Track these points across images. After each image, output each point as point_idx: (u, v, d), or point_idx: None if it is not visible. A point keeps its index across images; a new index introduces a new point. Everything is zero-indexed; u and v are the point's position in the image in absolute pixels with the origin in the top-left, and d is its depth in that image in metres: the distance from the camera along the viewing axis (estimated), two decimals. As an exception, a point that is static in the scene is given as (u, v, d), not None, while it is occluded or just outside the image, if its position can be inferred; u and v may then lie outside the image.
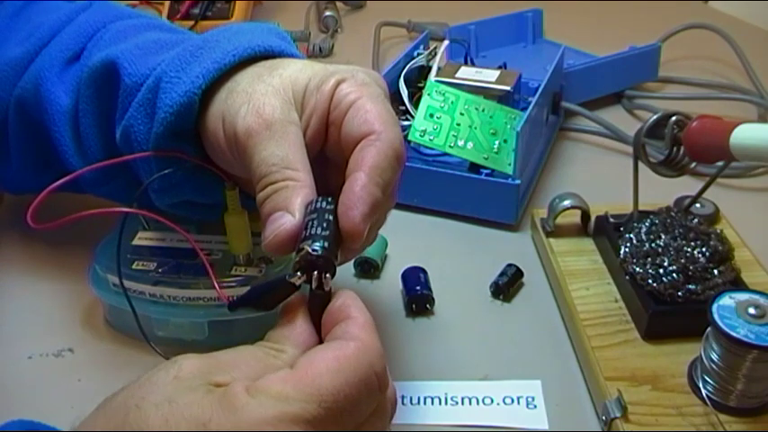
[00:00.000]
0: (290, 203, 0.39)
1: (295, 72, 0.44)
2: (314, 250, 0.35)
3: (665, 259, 0.50)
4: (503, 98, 0.65)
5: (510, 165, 0.61)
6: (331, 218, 0.37)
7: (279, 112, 0.41)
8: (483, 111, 0.64)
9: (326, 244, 0.36)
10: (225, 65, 0.44)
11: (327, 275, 0.36)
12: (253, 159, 0.41)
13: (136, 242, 0.52)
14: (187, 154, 0.46)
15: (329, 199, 0.38)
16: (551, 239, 0.58)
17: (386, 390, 0.36)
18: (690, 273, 0.49)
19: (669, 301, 0.49)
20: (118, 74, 0.48)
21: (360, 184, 0.38)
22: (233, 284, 0.49)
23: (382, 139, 0.40)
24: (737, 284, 0.50)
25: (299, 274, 0.36)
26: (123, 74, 0.48)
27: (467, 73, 0.67)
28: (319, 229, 0.36)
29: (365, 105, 0.41)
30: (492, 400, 0.47)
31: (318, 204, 0.38)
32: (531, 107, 0.62)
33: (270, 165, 0.40)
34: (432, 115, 0.63)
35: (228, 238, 0.50)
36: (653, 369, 0.47)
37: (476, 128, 0.63)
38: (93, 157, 0.52)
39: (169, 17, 0.96)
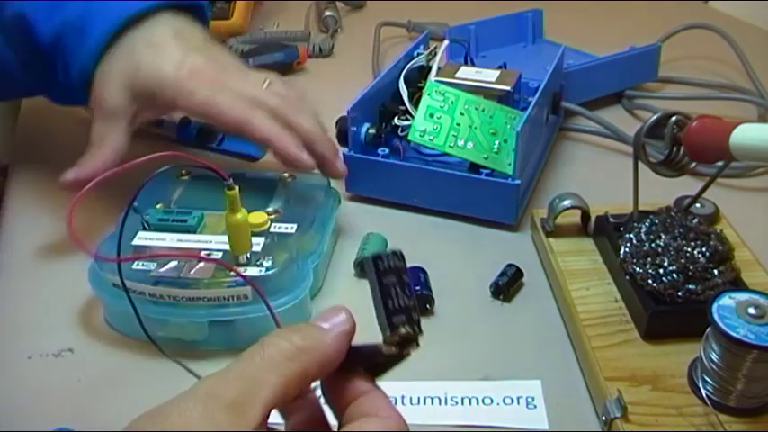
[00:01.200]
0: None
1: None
2: (414, 331, 0.34)
3: (665, 259, 0.50)
4: (503, 98, 0.65)
5: (510, 165, 0.61)
6: (405, 277, 0.34)
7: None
8: (483, 111, 0.64)
9: (416, 316, 0.34)
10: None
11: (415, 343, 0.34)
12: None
13: (136, 242, 0.52)
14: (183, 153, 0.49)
15: (399, 253, 0.34)
16: (551, 239, 0.58)
17: None
18: (690, 273, 0.49)
19: (669, 301, 0.49)
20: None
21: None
22: (233, 284, 0.49)
23: None
24: (737, 284, 0.50)
25: (394, 348, 0.34)
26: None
27: (467, 73, 0.67)
28: (405, 298, 0.34)
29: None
30: (492, 400, 0.47)
31: (391, 263, 0.35)
32: (531, 107, 0.62)
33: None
34: (432, 115, 0.63)
35: (229, 238, 0.50)
36: (653, 369, 0.47)
37: (476, 128, 0.63)
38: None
39: (169, 17, 0.96)
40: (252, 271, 0.50)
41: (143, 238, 0.52)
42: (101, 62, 0.56)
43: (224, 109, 0.56)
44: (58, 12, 0.57)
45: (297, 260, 0.52)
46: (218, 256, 0.51)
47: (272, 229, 0.54)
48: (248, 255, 0.50)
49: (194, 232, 0.53)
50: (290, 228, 0.54)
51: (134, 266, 0.49)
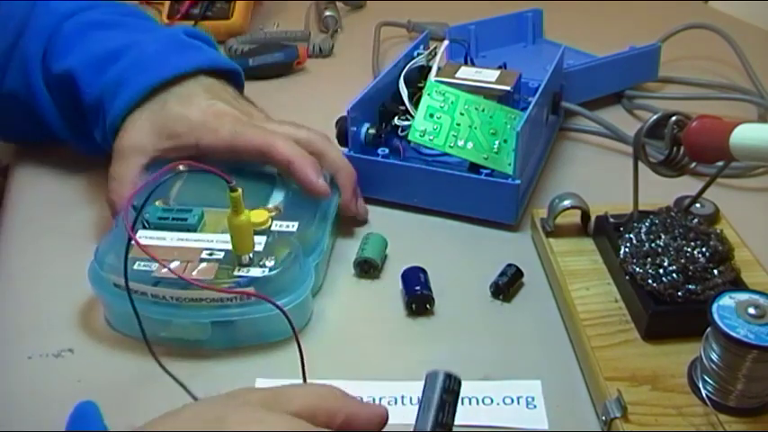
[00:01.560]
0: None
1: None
2: None
3: (665, 259, 0.50)
4: (503, 98, 0.65)
5: (510, 165, 0.61)
6: (456, 405, 0.36)
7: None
8: (483, 111, 0.64)
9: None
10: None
11: None
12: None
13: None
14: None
15: (460, 382, 0.37)
16: (551, 239, 0.58)
17: None
18: (690, 273, 0.49)
19: (669, 301, 0.49)
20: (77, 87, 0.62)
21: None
22: (234, 286, 0.48)
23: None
24: (737, 284, 0.50)
25: None
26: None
27: (467, 73, 0.67)
28: (450, 419, 0.36)
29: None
30: (492, 400, 0.47)
31: (454, 386, 0.37)
32: (531, 107, 0.62)
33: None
34: (432, 115, 0.63)
35: (232, 238, 0.49)
36: (653, 369, 0.47)
37: (476, 128, 0.63)
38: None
39: (169, 17, 0.96)
40: (254, 272, 0.49)
41: (144, 237, 0.52)
42: (131, 114, 0.59)
43: (248, 138, 0.57)
44: (103, 73, 0.60)
45: (299, 259, 0.52)
46: (220, 255, 0.50)
47: (273, 227, 0.54)
48: (251, 255, 0.50)
49: (195, 231, 0.53)
50: (292, 225, 0.54)
51: (135, 267, 0.49)
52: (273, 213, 0.55)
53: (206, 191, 0.55)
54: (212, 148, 0.58)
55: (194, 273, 0.49)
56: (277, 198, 0.57)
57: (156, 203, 0.55)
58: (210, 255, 0.50)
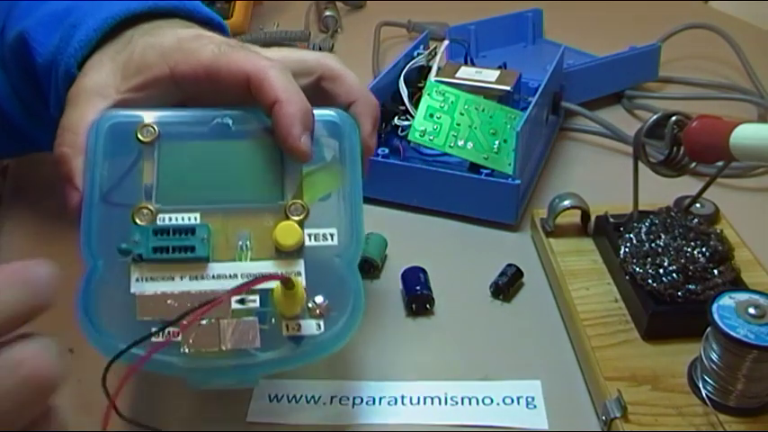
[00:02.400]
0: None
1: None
2: None
3: (665, 259, 0.50)
4: (503, 98, 0.65)
5: (510, 165, 0.61)
6: None
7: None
8: (483, 111, 0.64)
9: None
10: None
11: None
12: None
13: (136, 289, 0.38)
14: None
15: None
16: (551, 239, 0.58)
17: None
18: (690, 273, 0.49)
19: (669, 301, 0.49)
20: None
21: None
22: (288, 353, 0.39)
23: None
24: (737, 284, 0.50)
25: None
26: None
27: (467, 73, 0.67)
28: None
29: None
30: (492, 400, 0.47)
31: None
32: (531, 107, 0.62)
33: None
34: (432, 115, 0.63)
35: (276, 303, 0.39)
36: (653, 369, 0.47)
37: (476, 128, 0.63)
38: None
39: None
40: (307, 326, 0.38)
41: (143, 283, 0.38)
42: (89, 58, 0.46)
43: (234, 59, 0.43)
44: (57, 28, 0.49)
45: (359, 305, 0.40)
46: (254, 301, 0.38)
47: (307, 242, 0.40)
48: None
49: (208, 260, 0.39)
50: (330, 235, 0.41)
51: (154, 339, 0.37)
52: (302, 216, 0.41)
53: (194, 173, 0.42)
54: (190, 75, 0.43)
55: (230, 335, 0.38)
56: (292, 180, 0.42)
57: (137, 215, 0.40)
58: (242, 302, 0.38)
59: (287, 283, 0.37)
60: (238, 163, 0.41)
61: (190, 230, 0.39)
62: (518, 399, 0.47)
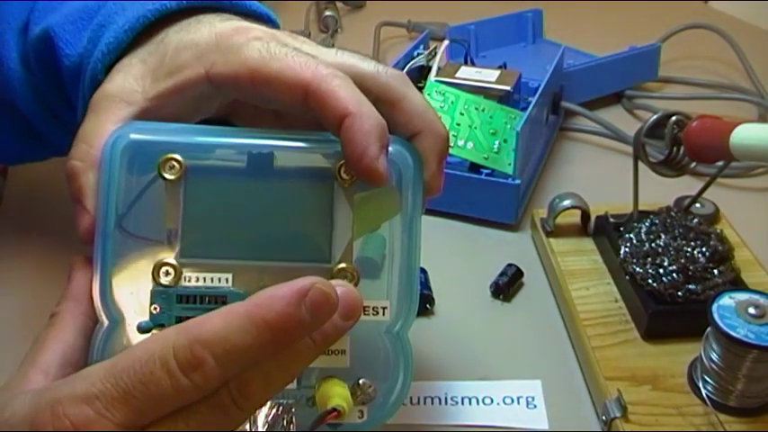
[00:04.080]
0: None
1: None
2: None
3: (665, 259, 0.50)
4: (503, 98, 0.65)
5: (510, 165, 0.61)
6: None
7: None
8: (483, 111, 0.64)
9: None
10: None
11: None
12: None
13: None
14: None
15: None
16: (551, 239, 0.58)
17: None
18: (690, 273, 0.49)
19: (669, 301, 0.49)
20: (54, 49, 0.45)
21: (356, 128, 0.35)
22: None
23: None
24: (737, 284, 0.50)
25: None
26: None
27: (467, 73, 0.67)
28: None
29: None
30: (492, 400, 0.47)
31: None
32: (531, 107, 0.62)
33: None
34: (432, 115, 0.63)
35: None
36: (653, 369, 0.47)
37: (476, 128, 0.63)
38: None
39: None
40: (351, 416, 0.35)
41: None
42: (119, 61, 0.41)
43: (289, 65, 0.36)
44: (86, 27, 0.44)
45: (404, 391, 0.36)
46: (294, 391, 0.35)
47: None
48: None
49: None
50: (381, 309, 0.36)
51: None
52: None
53: (226, 219, 0.35)
54: (230, 78, 0.37)
55: (264, 418, 0.34)
56: (340, 238, 0.36)
57: (157, 273, 0.34)
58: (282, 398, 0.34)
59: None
60: (280, 209, 0.35)
61: (220, 299, 0.34)
62: (518, 399, 0.47)
